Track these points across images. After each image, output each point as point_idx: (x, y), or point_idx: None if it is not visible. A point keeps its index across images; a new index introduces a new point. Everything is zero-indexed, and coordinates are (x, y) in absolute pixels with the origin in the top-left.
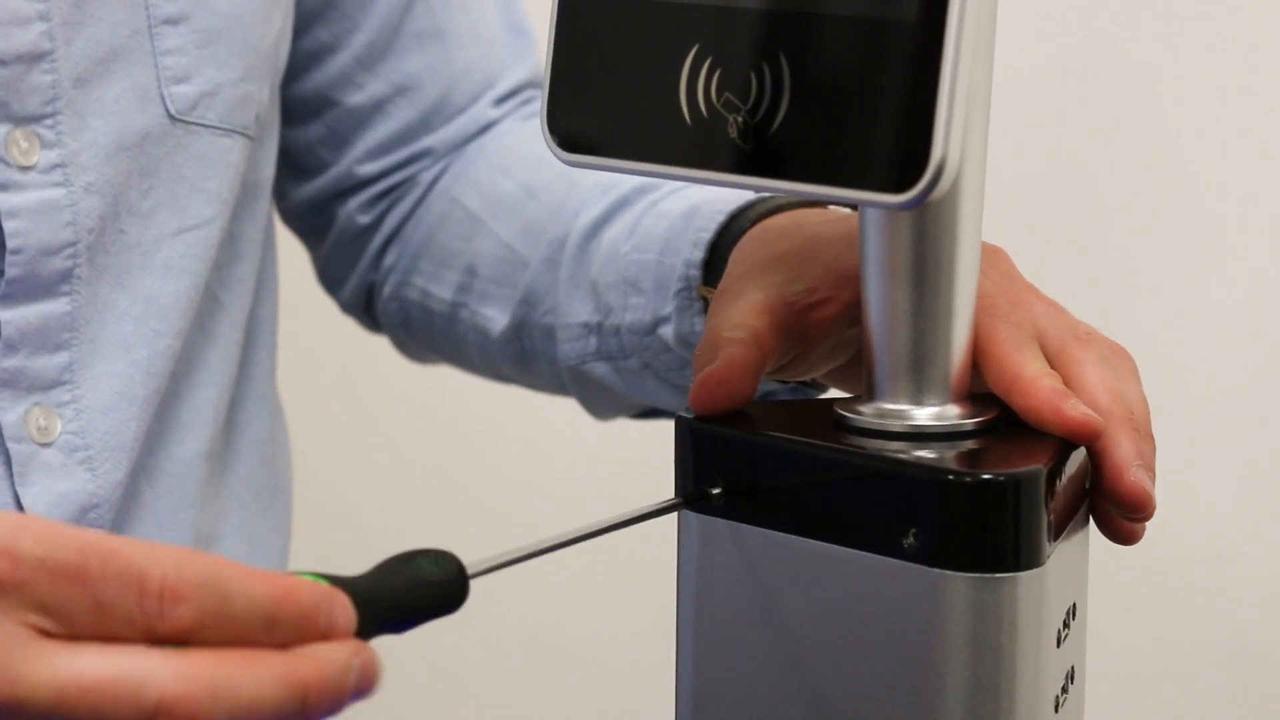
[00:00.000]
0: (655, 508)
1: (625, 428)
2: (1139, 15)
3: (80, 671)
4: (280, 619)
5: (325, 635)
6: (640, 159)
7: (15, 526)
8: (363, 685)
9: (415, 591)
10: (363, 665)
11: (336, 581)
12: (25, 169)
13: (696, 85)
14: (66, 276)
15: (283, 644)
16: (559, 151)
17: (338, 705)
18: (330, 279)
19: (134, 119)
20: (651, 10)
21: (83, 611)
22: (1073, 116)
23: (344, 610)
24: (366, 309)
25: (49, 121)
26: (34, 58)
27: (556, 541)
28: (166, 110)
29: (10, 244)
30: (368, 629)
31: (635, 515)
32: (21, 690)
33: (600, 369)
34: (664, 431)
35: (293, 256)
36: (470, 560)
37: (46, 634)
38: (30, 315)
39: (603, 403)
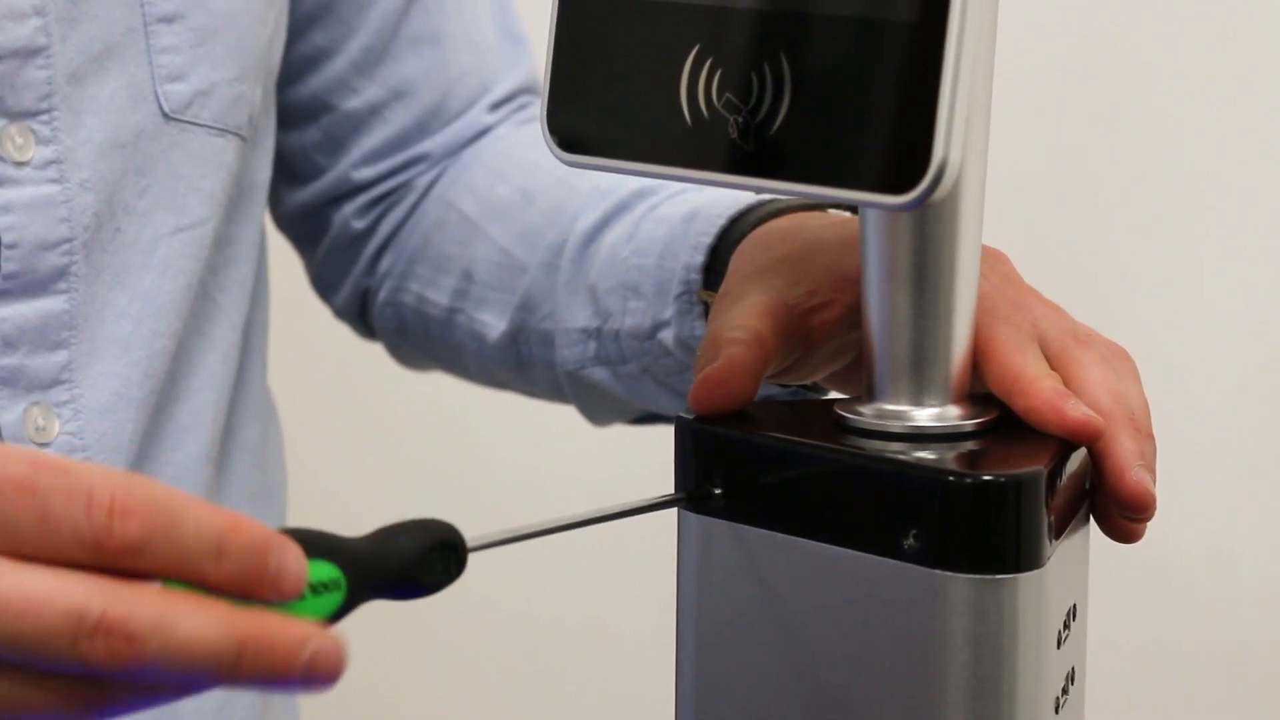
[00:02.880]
0: (657, 500)
1: (624, 430)
2: (1139, 15)
3: (24, 583)
4: (229, 549)
5: (274, 578)
6: (640, 159)
7: None
8: (318, 670)
9: (411, 559)
10: (320, 648)
11: (330, 539)
12: (20, 164)
13: (697, 86)
14: (63, 273)
15: (229, 579)
16: (559, 152)
17: (276, 675)
18: (324, 285)
19: (128, 117)
20: (652, 10)
21: (29, 523)
22: (1073, 117)
23: (295, 556)
24: (361, 315)
25: (44, 117)
26: (29, 53)
27: (556, 524)
28: (160, 108)
29: (5, 239)
30: (360, 592)
31: (637, 506)
32: None
33: (599, 374)
34: (664, 435)
35: (288, 258)
36: (470, 535)
37: None
38: (28, 313)
39: (601, 408)
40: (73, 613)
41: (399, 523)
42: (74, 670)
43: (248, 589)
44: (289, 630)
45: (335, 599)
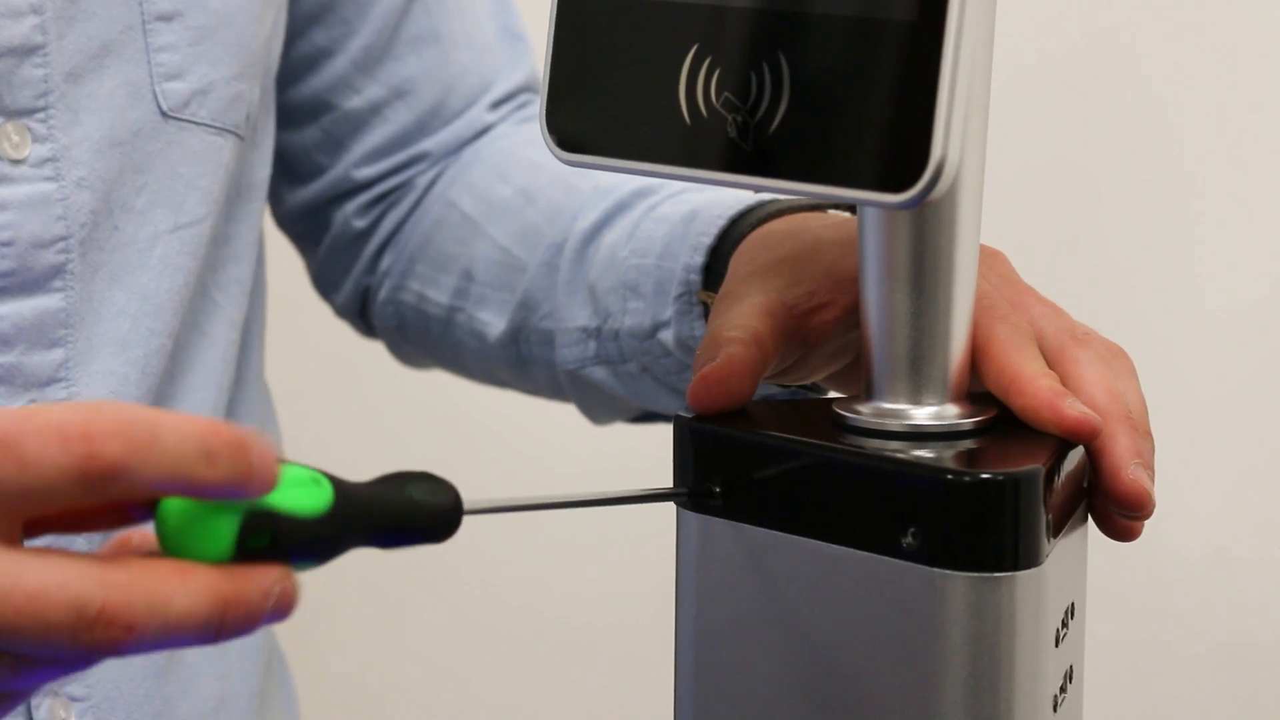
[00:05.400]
0: (659, 491)
1: (624, 429)
2: (1137, 14)
3: (23, 578)
4: (216, 450)
5: (259, 472)
6: (639, 159)
7: None
8: (279, 609)
9: (407, 509)
10: (282, 591)
11: (329, 480)
12: (16, 162)
13: (696, 85)
14: (59, 271)
15: (223, 479)
16: (558, 151)
17: (251, 625)
18: (325, 283)
19: (126, 115)
20: (651, 10)
21: (10, 474)
22: (1071, 116)
23: (270, 448)
24: (361, 313)
25: (40, 115)
26: (26, 51)
27: (556, 500)
28: (159, 107)
29: (1, 236)
30: (353, 536)
31: (638, 494)
32: None
33: (599, 373)
34: (664, 433)
35: (287, 256)
36: (470, 498)
37: None
38: (25, 310)
39: (600, 407)
40: (73, 606)
41: (399, 473)
42: (73, 657)
43: (239, 487)
44: (258, 582)
45: (324, 494)
